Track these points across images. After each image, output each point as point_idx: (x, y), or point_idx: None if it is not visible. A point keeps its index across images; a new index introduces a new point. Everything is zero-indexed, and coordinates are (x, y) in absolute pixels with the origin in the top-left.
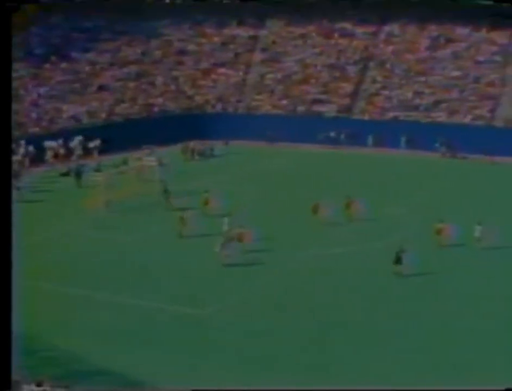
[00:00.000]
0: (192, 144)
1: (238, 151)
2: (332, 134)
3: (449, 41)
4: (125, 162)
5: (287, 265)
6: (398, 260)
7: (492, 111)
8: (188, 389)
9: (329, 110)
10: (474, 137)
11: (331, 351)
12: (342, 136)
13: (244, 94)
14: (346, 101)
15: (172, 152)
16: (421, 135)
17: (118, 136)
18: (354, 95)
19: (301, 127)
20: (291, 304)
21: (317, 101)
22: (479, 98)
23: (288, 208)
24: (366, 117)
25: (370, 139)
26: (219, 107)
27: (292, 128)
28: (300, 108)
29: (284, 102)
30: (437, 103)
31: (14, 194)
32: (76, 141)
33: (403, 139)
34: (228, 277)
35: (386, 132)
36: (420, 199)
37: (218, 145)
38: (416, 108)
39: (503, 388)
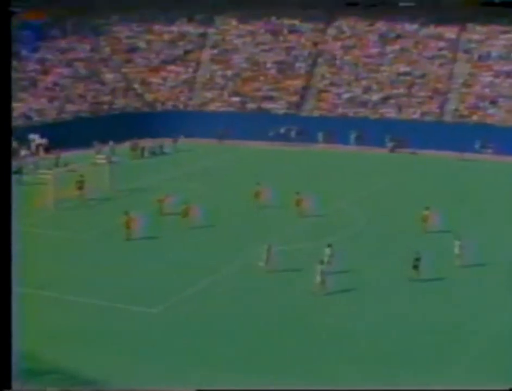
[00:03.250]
0: (142, 142)
1: (188, 149)
2: (282, 131)
3: (398, 37)
4: (75, 160)
5: (237, 262)
6: (415, 266)
7: (441, 106)
8: (188, 389)
9: (278, 107)
10: (423, 132)
11: (287, 351)
12: (292, 133)
13: (194, 92)
14: (295, 98)
15: (121, 150)
16: (370, 131)
17: (68, 134)
18: (303, 92)
19: (251, 124)
20: (242, 302)
21: (266, 98)
22: (428, 94)
23: (237, 205)
24: (316, 114)
25: (320, 136)
26: (169, 104)
27: (242, 125)
28: (250, 105)
29: (234, 99)
30: (385, 99)
31: None
32: (30, 139)
33: (352, 136)
34: (178, 276)
35: (336, 129)
36: (370, 194)
37: (168, 143)
38: (365, 104)
39: (507, 387)
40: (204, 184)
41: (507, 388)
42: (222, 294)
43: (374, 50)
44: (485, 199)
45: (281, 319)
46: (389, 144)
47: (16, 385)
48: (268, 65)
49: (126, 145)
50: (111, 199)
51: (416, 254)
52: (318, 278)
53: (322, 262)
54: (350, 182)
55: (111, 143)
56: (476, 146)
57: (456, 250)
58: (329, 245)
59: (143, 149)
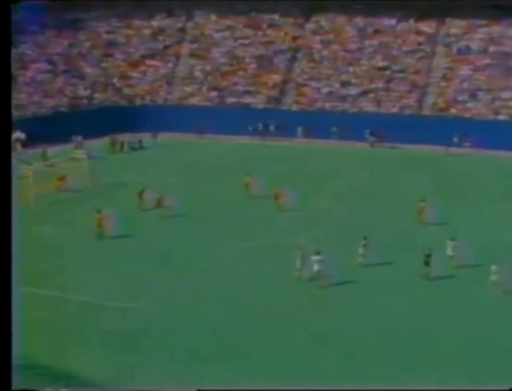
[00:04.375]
0: (121, 136)
1: (167, 143)
2: (261, 125)
3: (376, 31)
4: (54, 155)
5: (216, 257)
6: (426, 263)
7: (420, 100)
8: (188, 389)
9: (257, 101)
10: (402, 126)
11: (264, 347)
12: (271, 127)
13: (173, 86)
14: (275, 92)
15: (101, 145)
16: (349, 125)
17: (47, 128)
18: (282, 86)
19: (230, 118)
20: (222, 297)
21: (246, 93)
22: (406, 88)
23: (217, 200)
24: (295, 108)
25: (299, 130)
26: (148, 99)
27: (221, 120)
28: (229, 100)
29: (213, 94)
30: (364, 93)
31: None
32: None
33: (332, 130)
34: (157, 270)
35: (315, 123)
36: (349, 188)
37: (147, 138)
38: (344, 98)
39: (507, 388)
40: (185, 179)
41: (507, 388)
42: (204, 288)
43: (353, 45)
44: (471, 193)
45: (268, 311)
46: (370, 139)
47: (15, 385)
48: (247, 59)
49: (105, 140)
50: (91, 194)
51: (427, 251)
52: (316, 268)
53: (317, 253)
54: (331, 176)
55: (79, 138)
56: (455, 139)
57: (449, 251)
58: (365, 238)
59: (122, 144)
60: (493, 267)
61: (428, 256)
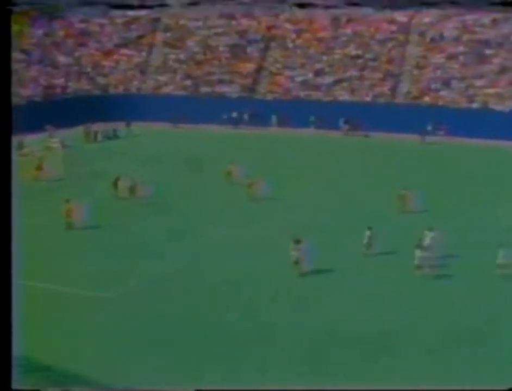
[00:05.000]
0: (95, 125)
1: (141, 133)
2: (235, 114)
3: (349, 20)
4: (29, 145)
5: (189, 247)
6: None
7: (393, 88)
8: (188, 389)
9: (231, 90)
10: (375, 114)
11: (240, 338)
12: (245, 116)
13: (147, 75)
14: (249, 81)
15: (74, 134)
16: (324, 114)
17: (21, 118)
18: (256, 75)
19: (204, 108)
20: (196, 288)
21: (220, 82)
22: (380, 76)
23: (190, 189)
24: (269, 97)
25: (273, 119)
26: (121, 88)
27: (196, 109)
28: (204, 89)
29: (187, 83)
30: (338, 82)
31: None
32: None
33: (310, 119)
34: (132, 260)
35: (289, 112)
36: (324, 177)
37: (121, 127)
38: (318, 87)
39: (506, 387)
40: (159, 168)
41: (507, 388)
42: (180, 279)
43: (326, 33)
44: (448, 180)
45: (253, 302)
46: (344, 127)
47: (15, 385)
48: (221, 48)
49: (79, 129)
50: (66, 184)
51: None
52: (295, 256)
53: (297, 241)
54: (306, 165)
55: (51, 127)
56: (429, 128)
57: (427, 241)
58: (369, 228)
59: (96, 133)
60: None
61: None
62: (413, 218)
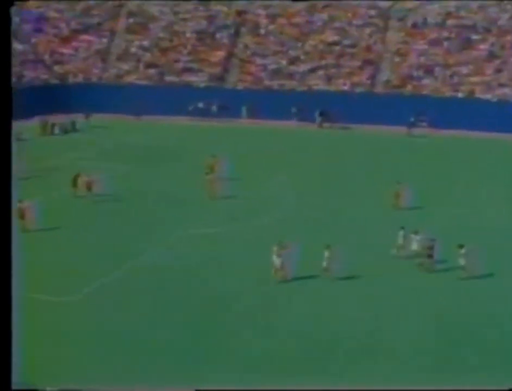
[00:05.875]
0: (52, 117)
1: (102, 125)
2: (203, 105)
3: (326, 5)
4: None
5: (157, 247)
6: (430, 255)
7: (372, 76)
8: (188, 389)
9: (199, 79)
10: (353, 105)
11: (212, 337)
12: (214, 107)
13: (108, 63)
14: (217, 69)
15: (30, 126)
16: (298, 105)
17: None
18: (225, 63)
19: (170, 98)
20: (166, 288)
21: (186, 70)
22: (358, 64)
23: (155, 186)
24: (239, 86)
25: (244, 111)
26: (81, 77)
27: (160, 99)
28: (169, 78)
29: (151, 71)
30: (313, 70)
31: None
32: None
33: (279, 109)
34: (93, 261)
35: (261, 103)
36: (297, 172)
37: (80, 119)
38: (292, 76)
39: (506, 388)
40: (121, 163)
41: (507, 388)
42: (143, 282)
43: (301, 19)
44: (439, 175)
45: (222, 307)
46: (318, 119)
47: (15, 385)
48: (188, 35)
49: (35, 121)
50: (18, 181)
51: (429, 242)
52: (277, 262)
53: (281, 246)
54: (279, 159)
55: (18, 119)
56: (411, 119)
57: (414, 246)
58: (402, 228)
59: (53, 126)
60: (462, 250)
61: (431, 247)
62: (408, 215)
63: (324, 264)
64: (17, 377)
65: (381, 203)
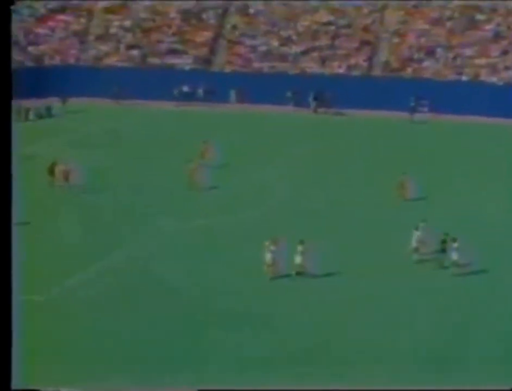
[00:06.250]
0: (26, 102)
1: (80, 110)
2: (188, 89)
3: None
4: None
5: (137, 242)
6: (443, 250)
7: (369, 59)
8: (188, 389)
9: (184, 62)
10: (349, 89)
11: (195, 334)
12: (200, 91)
13: (87, 44)
14: (204, 51)
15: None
16: (290, 89)
17: None
18: (212, 44)
19: (152, 81)
20: (149, 284)
21: (170, 52)
22: (354, 45)
23: (137, 175)
24: (227, 69)
25: (232, 95)
26: (58, 59)
27: (142, 83)
28: (152, 60)
29: (133, 53)
30: (307, 52)
31: None
32: None
33: (270, 94)
34: (76, 256)
35: (250, 87)
36: (290, 161)
37: (56, 104)
38: (284, 58)
39: (508, 387)
40: (100, 151)
41: (507, 388)
42: (128, 279)
43: None
44: (445, 164)
45: (210, 305)
46: (312, 104)
47: (15, 385)
48: (172, 14)
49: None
50: None
51: (442, 236)
52: (270, 257)
53: (273, 241)
54: (269, 148)
55: None
56: (411, 103)
57: (414, 243)
58: (423, 221)
59: (27, 111)
60: (455, 244)
61: (444, 241)
62: (414, 207)
63: (298, 259)
64: (17, 377)
65: (384, 194)
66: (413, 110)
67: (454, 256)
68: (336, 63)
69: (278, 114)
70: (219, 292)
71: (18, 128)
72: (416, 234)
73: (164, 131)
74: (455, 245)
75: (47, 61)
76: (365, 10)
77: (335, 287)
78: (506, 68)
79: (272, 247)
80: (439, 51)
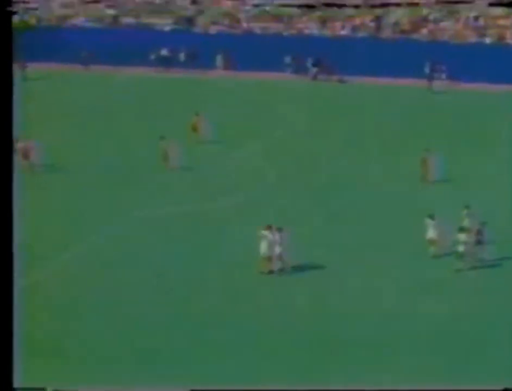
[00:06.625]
0: None
1: (41, 77)
2: (168, 53)
3: None
4: None
5: (105, 231)
6: (479, 242)
7: (377, 19)
8: (181, 388)
9: (163, 22)
10: (354, 53)
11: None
12: (181, 56)
13: (50, 2)
14: (185, 10)
15: None
16: (285, 53)
17: None
18: (195, 1)
19: (126, 44)
20: (123, 274)
21: (147, 11)
22: (359, 2)
23: (107, 154)
24: (212, 31)
25: (218, 60)
26: (16, 18)
27: (115, 46)
28: (126, 20)
29: (105, 12)
30: (305, 10)
31: None
32: None
33: (262, 59)
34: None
35: (239, 50)
36: (285, 136)
37: (15, 70)
38: (278, 18)
39: (501, 387)
40: (65, 125)
41: (501, 387)
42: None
43: None
44: (472, 141)
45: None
46: (312, 70)
47: (16, 383)
48: None
49: None
50: None
51: (479, 225)
52: (265, 250)
53: (271, 230)
54: (259, 119)
55: None
56: (426, 70)
57: (430, 233)
58: (467, 207)
59: None
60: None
61: (480, 232)
62: (439, 189)
63: (277, 250)
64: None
65: (400, 175)
66: (430, 77)
67: (460, 248)
68: (338, 24)
69: (271, 83)
70: (202, 293)
71: None
72: (432, 224)
73: (140, 101)
74: (463, 237)
75: None
76: None
77: (338, 281)
78: None
79: (270, 237)
80: (459, 9)
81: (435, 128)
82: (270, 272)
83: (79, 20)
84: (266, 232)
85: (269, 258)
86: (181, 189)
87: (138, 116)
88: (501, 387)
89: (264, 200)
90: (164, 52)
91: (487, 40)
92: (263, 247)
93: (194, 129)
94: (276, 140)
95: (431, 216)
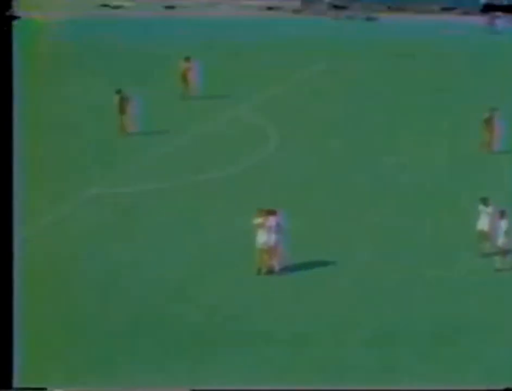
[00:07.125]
0: None
1: None
2: None
3: None
4: None
5: (61, 211)
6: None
7: None
8: (182, 388)
9: None
10: None
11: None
12: None
13: None
14: None
15: None
16: None
17: None
18: None
19: None
20: (73, 269)
21: None
22: None
23: (60, 112)
24: None
25: None
26: None
27: None
28: None
29: None
30: None
31: None
32: None
33: None
34: None
35: None
36: (294, 91)
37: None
38: None
39: (502, 387)
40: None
41: (503, 387)
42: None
43: None
44: None
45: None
46: (330, 5)
47: (16, 383)
48: None
49: None
50: None
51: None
52: (263, 239)
53: (265, 214)
54: (262, 70)
55: None
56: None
57: (481, 224)
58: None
59: None
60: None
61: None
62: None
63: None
64: (18, 375)
65: (457, 143)
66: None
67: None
68: None
69: (277, 20)
70: (182, 284)
71: None
72: (484, 211)
73: (101, 38)
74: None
75: None
76: None
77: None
78: None
79: (265, 223)
80: None
81: (497, 81)
82: (270, 272)
83: None
84: (261, 220)
85: (267, 251)
86: (159, 162)
87: (102, 65)
88: (503, 387)
89: (263, 174)
90: None
91: None
92: (259, 238)
93: (184, 80)
94: (278, 97)
95: (485, 201)
